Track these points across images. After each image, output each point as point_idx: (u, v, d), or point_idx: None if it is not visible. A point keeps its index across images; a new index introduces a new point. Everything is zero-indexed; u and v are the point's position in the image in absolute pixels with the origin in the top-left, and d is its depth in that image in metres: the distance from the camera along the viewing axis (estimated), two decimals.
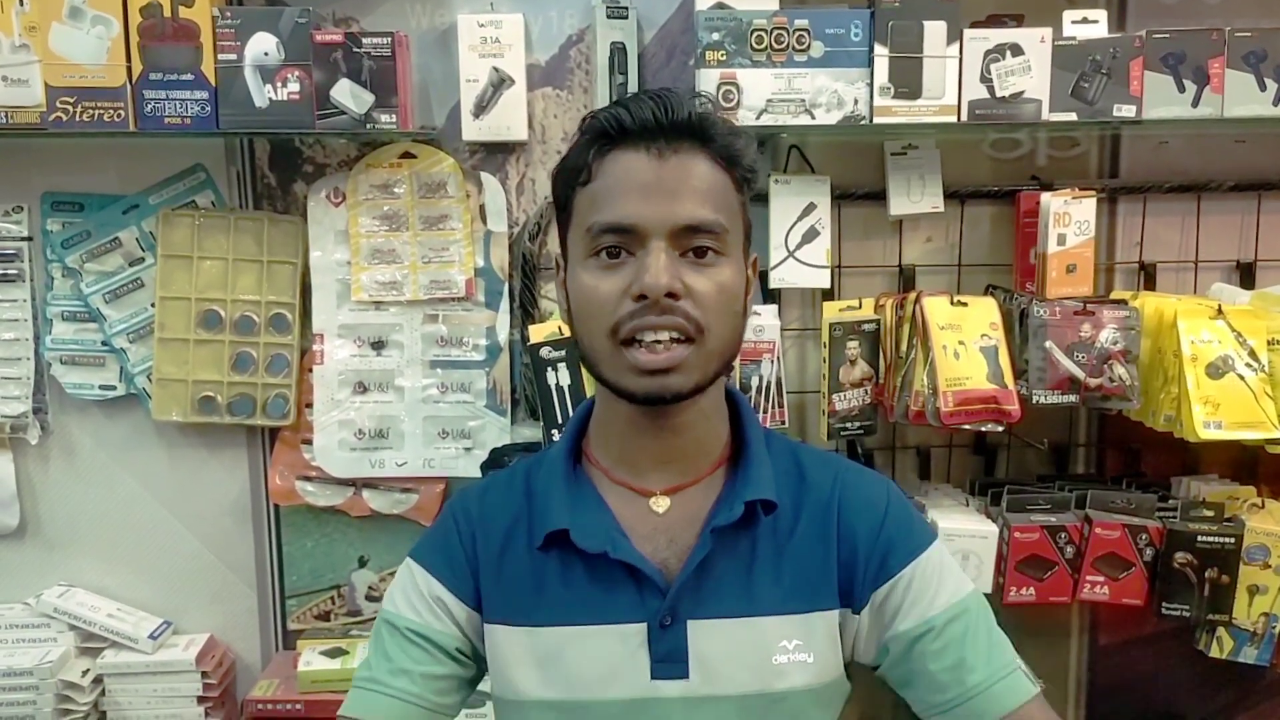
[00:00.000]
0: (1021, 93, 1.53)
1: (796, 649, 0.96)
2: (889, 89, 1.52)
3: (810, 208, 1.65)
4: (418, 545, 1.07)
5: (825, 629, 0.98)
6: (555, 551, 0.98)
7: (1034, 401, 1.52)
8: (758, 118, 1.52)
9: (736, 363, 1.57)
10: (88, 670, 1.72)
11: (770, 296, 1.69)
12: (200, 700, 1.72)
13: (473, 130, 1.67)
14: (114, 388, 1.75)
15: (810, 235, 1.65)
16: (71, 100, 1.52)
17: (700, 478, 1.00)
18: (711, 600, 0.96)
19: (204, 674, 1.72)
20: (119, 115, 1.53)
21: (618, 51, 1.66)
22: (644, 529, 0.98)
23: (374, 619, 1.83)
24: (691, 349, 0.91)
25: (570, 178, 0.96)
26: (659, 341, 0.90)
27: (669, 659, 0.95)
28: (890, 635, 0.98)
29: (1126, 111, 1.53)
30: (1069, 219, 1.59)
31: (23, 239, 1.73)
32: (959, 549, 1.57)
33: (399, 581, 1.06)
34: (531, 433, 1.73)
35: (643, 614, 0.96)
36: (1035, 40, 1.52)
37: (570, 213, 0.97)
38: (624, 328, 0.90)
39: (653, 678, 0.95)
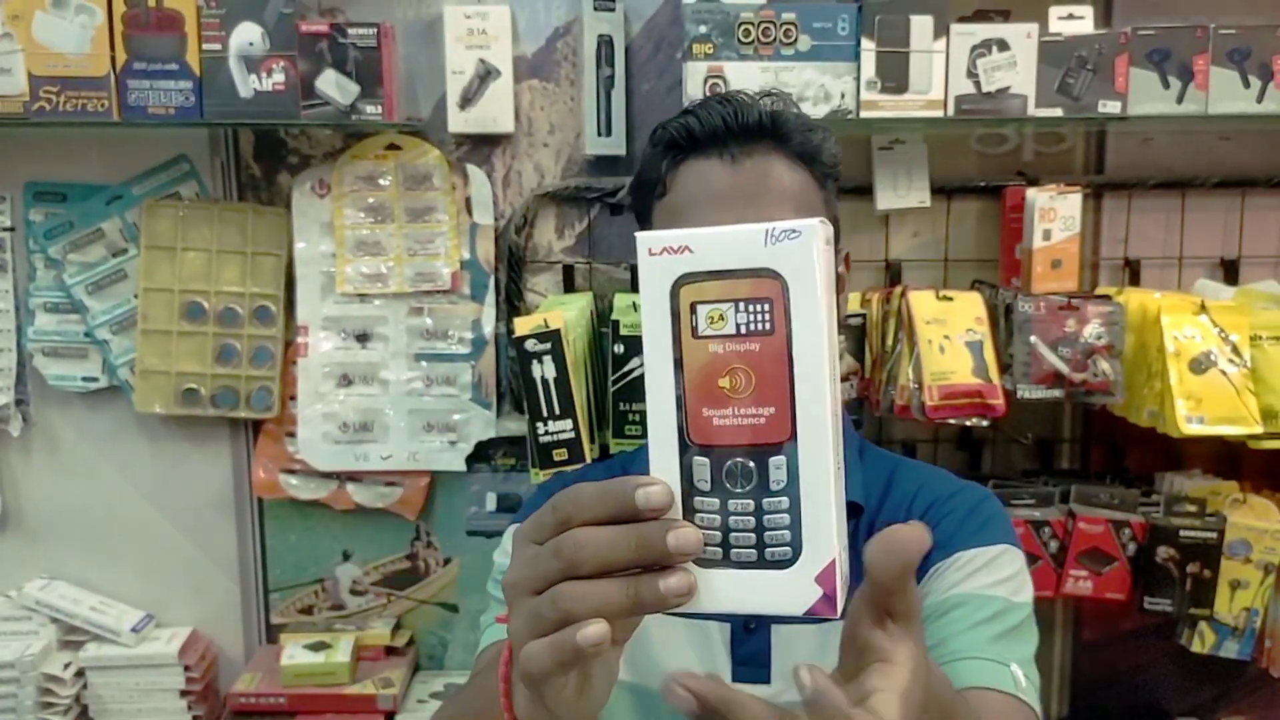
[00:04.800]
0: (1008, 88, 1.53)
1: None
2: (876, 83, 1.52)
3: None
4: (518, 517, 1.05)
5: None
6: None
7: (1019, 396, 1.52)
8: None
9: None
10: (69, 663, 1.71)
11: None
12: (183, 694, 1.71)
13: (459, 122, 1.66)
14: (96, 379, 1.74)
15: None
16: (55, 89, 1.51)
17: None
18: None
19: (186, 667, 1.71)
20: (103, 105, 1.51)
21: (605, 44, 1.65)
22: None
23: (357, 613, 1.83)
24: None
25: (646, 191, 0.95)
26: None
27: (751, 662, 0.94)
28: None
29: (1112, 108, 1.53)
30: (1054, 214, 1.59)
31: (5, 229, 1.72)
32: None
33: (503, 546, 1.04)
34: (517, 426, 1.73)
35: (728, 615, 0.93)
36: (1022, 36, 1.52)
37: (650, 226, 0.94)
38: None
39: (733, 680, 0.93)
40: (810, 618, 0.52)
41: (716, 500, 0.52)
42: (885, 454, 1.05)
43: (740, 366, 0.52)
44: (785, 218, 0.85)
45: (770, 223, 0.51)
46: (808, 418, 0.51)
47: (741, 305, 0.51)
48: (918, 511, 0.97)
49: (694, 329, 0.52)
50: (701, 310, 0.52)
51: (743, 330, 0.51)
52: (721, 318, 0.52)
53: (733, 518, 0.52)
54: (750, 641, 0.94)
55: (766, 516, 0.51)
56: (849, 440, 1.01)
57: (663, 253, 0.53)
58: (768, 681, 0.93)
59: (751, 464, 0.52)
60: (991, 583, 0.92)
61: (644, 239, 0.53)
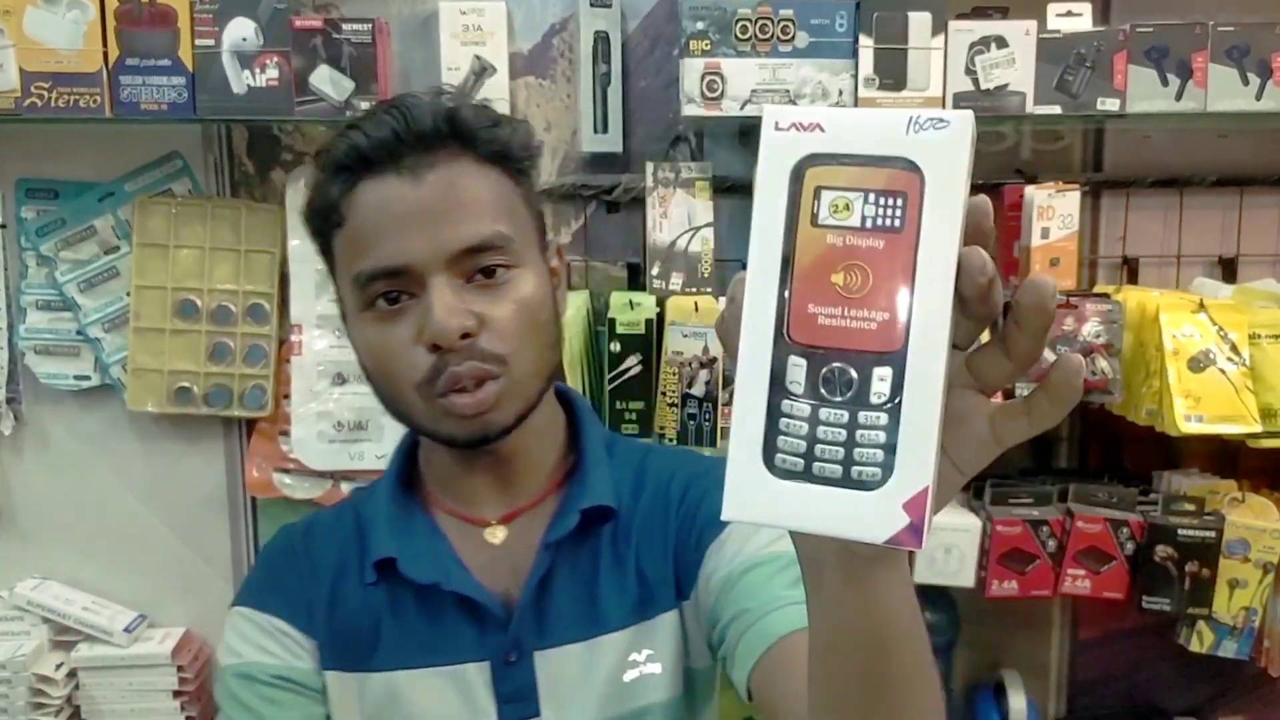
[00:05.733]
0: (1006, 85, 1.52)
1: (648, 660, 0.90)
2: (874, 80, 1.51)
3: None
4: (240, 594, 0.95)
5: (670, 632, 0.91)
6: (385, 586, 0.90)
7: (1017, 394, 1.51)
8: (742, 108, 1.51)
9: (719, 355, 1.57)
10: (62, 664, 1.70)
11: None
12: (176, 694, 1.70)
13: None
14: (89, 378, 1.72)
15: None
16: (47, 85, 1.50)
17: (538, 500, 0.92)
18: (556, 627, 0.88)
19: (179, 668, 1.70)
20: (95, 101, 1.50)
21: (601, 40, 1.65)
22: (482, 560, 0.90)
23: None
24: (502, 382, 0.82)
25: (321, 221, 0.85)
26: (466, 388, 0.81)
27: (517, 698, 0.88)
28: (710, 593, 0.88)
29: (1110, 105, 1.53)
30: (1052, 213, 1.59)
31: None
32: (941, 542, 1.57)
33: (233, 635, 0.92)
34: None
35: (484, 652, 0.88)
36: (1020, 33, 1.52)
37: (332, 261, 0.86)
38: (433, 384, 0.81)
39: (500, 719, 0.88)
40: (892, 546, 0.46)
41: (807, 407, 0.47)
42: (633, 444, 0.99)
43: (859, 263, 0.46)
44: (483, 229, 0.80)
45: (917, 110, 0.46)
46: (924, 330, 0.46)
47: (872, 196, 0.46)
48: (676, 496, 0.93)
49: (814, 216, 0.47)
50: (825, 196, 0.47)
51: (868, 224, 0.46)
52: (847, 207, 0.46)
53: (822, 428, 0.47)
54: (513, 676, 0.87)
55: (860, 432, 0.46)
56: (597, 435, 0.96)
57: (791, 128, 0.47)
58: (538, 714, 0.88)
59: (853, 372, 0.46)
60: (768, 541, 0.87)
61: (773, 111, 0.47)
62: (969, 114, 0.46)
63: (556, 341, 0.89)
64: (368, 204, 0.81)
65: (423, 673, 0.88)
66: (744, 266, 0.48)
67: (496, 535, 0.91)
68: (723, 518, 0.48)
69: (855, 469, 0.46)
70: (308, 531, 0.97)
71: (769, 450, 0.47)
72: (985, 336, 0.50)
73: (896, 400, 0.46)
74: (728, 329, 0.50)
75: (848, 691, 0.56)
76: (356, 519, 0.95)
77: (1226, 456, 1.71)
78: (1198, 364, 1.50)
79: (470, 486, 0.91)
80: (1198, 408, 1.49)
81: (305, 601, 0.92)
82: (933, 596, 1.65)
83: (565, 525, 0.89)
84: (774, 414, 0.47)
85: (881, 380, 0.46)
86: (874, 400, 0.46)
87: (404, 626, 0.89)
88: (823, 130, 0.47)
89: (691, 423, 1.57)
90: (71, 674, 1.71)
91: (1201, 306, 1.54)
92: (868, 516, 0.46)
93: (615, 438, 0.99)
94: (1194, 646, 1.64)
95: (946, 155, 0.46)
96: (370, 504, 0.94)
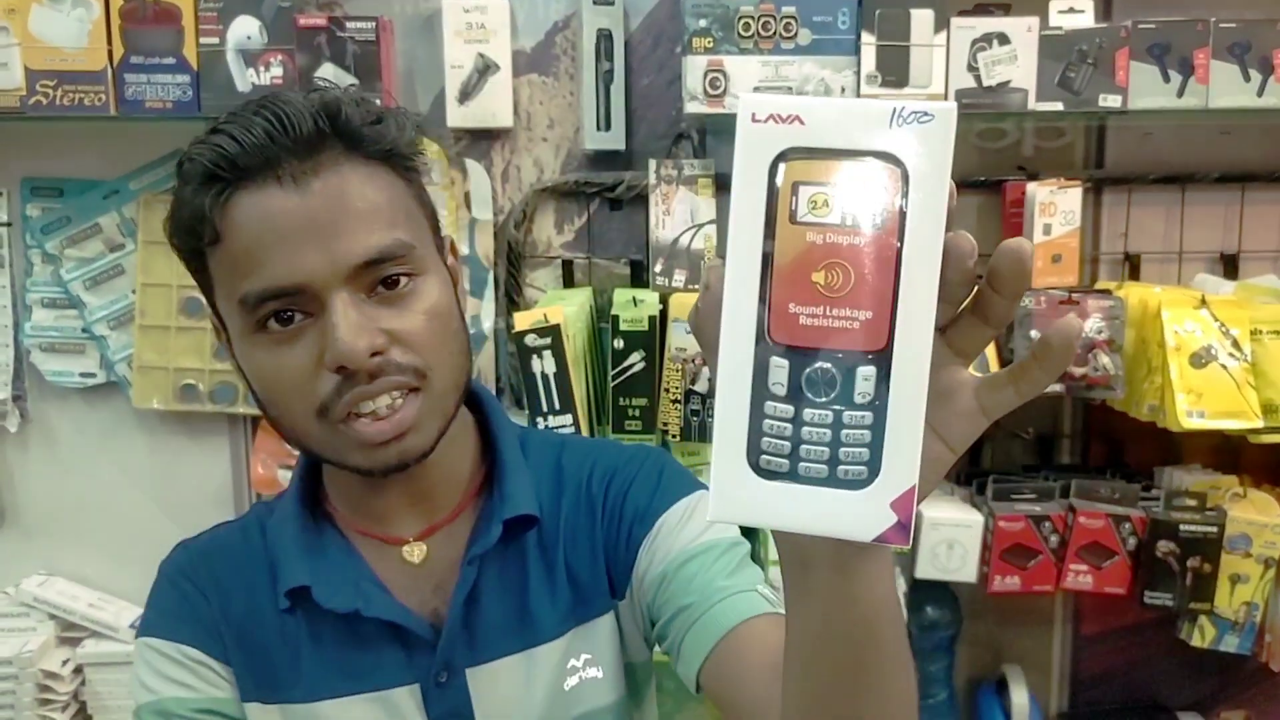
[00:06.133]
0: (1008, 82, 1.53)
1: (586, 664, 0.86)
2: (876, 77, 1.52)
3: None
4: (145, 623, 0.88)
5: (608, 634, 0.88)
6: (301, 613, 0.84)
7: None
8: None
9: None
10: (68, 660, 1.71)
11: None
12: None
13: (458, 117, 1.65)
14: (94, 375, 1.73)
15: None
16: (52, 84, 1.50)
17: (456, 512, 0.87)
18: (488, 642, 0.84)
19: None
20: (100, 99, 1.51)
21: (604, 38, 1.65)
22: (403, 581, 0.84)
23: None
24: (420, 398, 0.76)
25: (190, 237, 0.75)
26: (382, 406, 0.75)
27: (451, 718, 0.84)
28: (645, 590, 0.85)
29: (1112, 102, 1.53)
30: (1054, 209, 1.59)
31: (2, 224, 1.71)
32: (944, 538, 1.58)
33: (144, 669, 0.85)
34: (518, 421, 1.73)
35: (413, 674, 0.83)
36: (1022, 29, 1.52)
37: (209, 279, 0.77)
38: (335, 407, 0.74)
39: None
40: (880, 543, 0.46)
41: (791, 408, 0.46)
42: (547, 438, 0.95)
43: (840, 261, 0.45)
44: (378, 237, 0.73)
45: (898, 101, 0.44)
46: (908, 328, 0.45)
47: (852, 191, 0.45)
48: (599, 492, 0.89)
49: (792, 213, 0.45)
50: (804, 192, 0.45)
51: (849, 221, 0.45)
52: (826, 203, 0.45)
53: (806, 429, 0.46)
54: (445, 697, 0.83)
55: (845, 431, 0.46)
56: (510, 436, 0.90)
57: (768, 120, 0.45)
58: None
59: (836, 372, 0.45)
60: (701, 530, 0.85)
61: (749, 101, 0.45)
62: (952, 106, 0.44)
63: (468, 347, 0.83)
64: (248, 218, 0.72)
65: (348, 700, 0.83)
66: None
67: (415, 554, 0.85)
68: (709, 518, 0.48)
69: (841, 469, 0.46)
70: (210, 551, 0.90)
71: (753, 451, 0.47)
72: None
73: (882, 399, 0.45)
74: (703, 321, 0.49)
75: (833, 683, 0.55)
76: (263, 538, 0.88)
77: (1228, 452, 1.71)
78: (1199, 360, 1.51)
79: (382, 506, 0.85)
80: (1199, 403, 1.49)
81: (216, 627, 0.85)
82: (935, 592, 1.66)
83: (488, 538, 0.84)
84: (757, 415, 0.47)
85: (866, 380, 0.45)
86: (858, 400, 0.46)
87: (325, 654, 0.84)
88: (802, 122, 0.45)
89: (695, 419, 1.58)
90: (78, 670, 1.71)
91: (1203, 302, 1.54)
92: (855, 516, 0.46)
93: (527, 433, 0.94)
94: (1196, 641, 1.64)
95: (930, 149, 0.44)
96: (273, 525, 0.87)
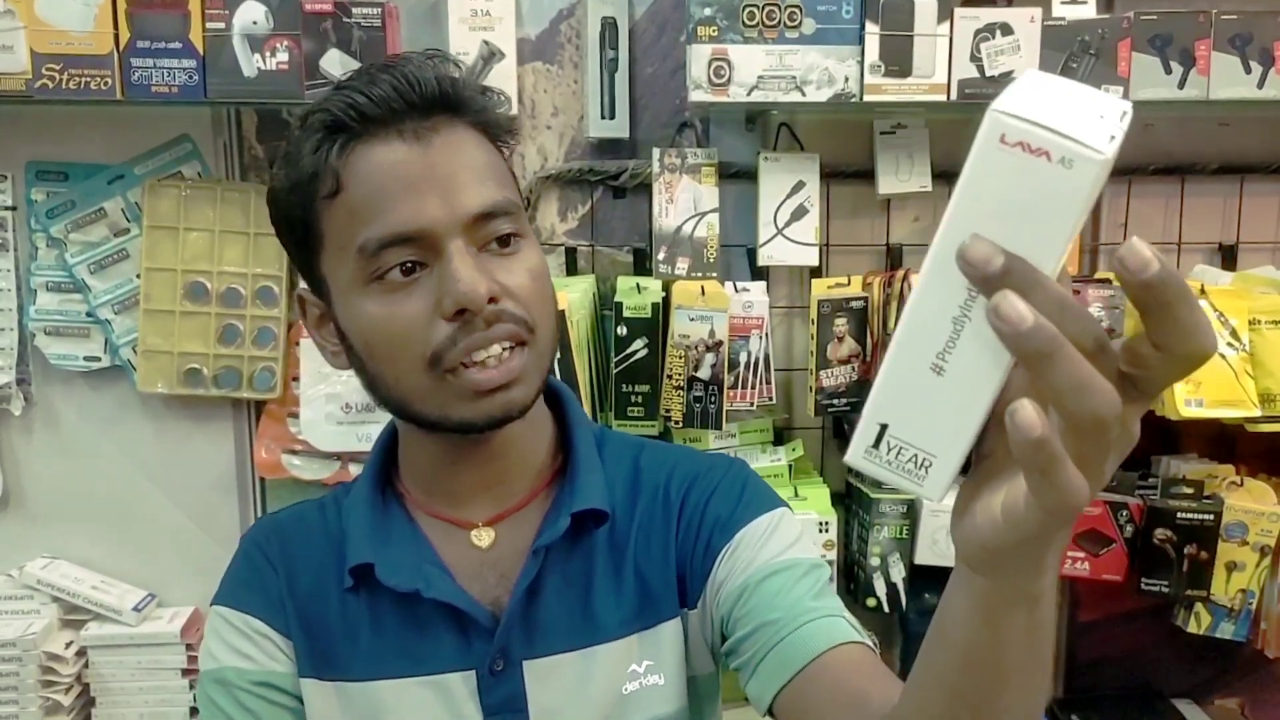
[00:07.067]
0: (1011, 72, 1.53)
1: (648, 671, 0.85)
2: (879, 67, 1.52)
3: (799, 185, 1.65)
4: (220, 592, 0.90)
5: (672, 642, 0.86)
6: (364, 592, 0.85)
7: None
8: (749, 94, 1.53)
9: (725, 338, 1.59)
10: (71, 642, 1.71)
11: (759, 273, 1.70)
12: (185, 673, 1.72)
13: None
14: (99, 359, 1.74)
15: (799, 213, 1.66)
16: (58, 68, 1.51)
17: (528, 500, 0.87)
18: (547, 635, 0.84)
19: (188, 646, 1.71)
20: (105, 83, 1.51)
21: (609, 27, 1.66)
22: (468, 566, 0.85)
23: None
24: (527, 353, 0.78)
25: (306, 192, 0.78)
26: (492, 356, 0.76)
27: (505, 709, 0.83)
28: (722, 601, 0.84)
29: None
30: None
31: (7, 208, 1.71)
32: (943, 524, 1.59)
33: (211, 637, 0.88)
34: None
35: (470, 660, 0.83)
36: (1025, 20, 1.53)
37: (318, 235, 0.79)
38: (448, 355, 0.75)
39: None
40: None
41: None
42: (625, 439, 0.95)
43: None
44: (494, 194, 0.77)
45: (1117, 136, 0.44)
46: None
47: None
48: (676, 498, 0.89)
49: None
50: None
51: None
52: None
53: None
54: (499, 686, 0.83)
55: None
56: (587, 431, 0.91)
57: (1017, 147, 0.43)
58: None
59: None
60: (784, 547, 0.85)
61: (998, 123, 0.44)
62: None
63: (558, 324, 0.85)
64: (373, 167, 0.75)
65: (404, 682, 0.84)
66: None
67: (483, 538, 0.86)
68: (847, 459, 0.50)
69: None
70: (287, 526, 0.92)
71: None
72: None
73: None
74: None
75: (981, 685, 0.55)
76: (338, 518, 0.90)
77: (1225, 441, 1.73)
78: None
79: (456, 486, 0.86)
80: (1198, 392, 1.51)
81: (281, 600, 0.87)
82: (935, 579, 1.67)
83: (555, 529, 0.84)
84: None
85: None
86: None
87: (384, 635, 0.85)
88: (1049, 158, 0.44)
89: (697, 405, 1.59)
90: (81, 653, 1.72)
91: (1202, 292, 1.55)
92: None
93: (605, 432, 0.94)
94: (1192, 628, 1.66)
95: (1085, 178, 0.44)
96: (350, 504, 0.89)
